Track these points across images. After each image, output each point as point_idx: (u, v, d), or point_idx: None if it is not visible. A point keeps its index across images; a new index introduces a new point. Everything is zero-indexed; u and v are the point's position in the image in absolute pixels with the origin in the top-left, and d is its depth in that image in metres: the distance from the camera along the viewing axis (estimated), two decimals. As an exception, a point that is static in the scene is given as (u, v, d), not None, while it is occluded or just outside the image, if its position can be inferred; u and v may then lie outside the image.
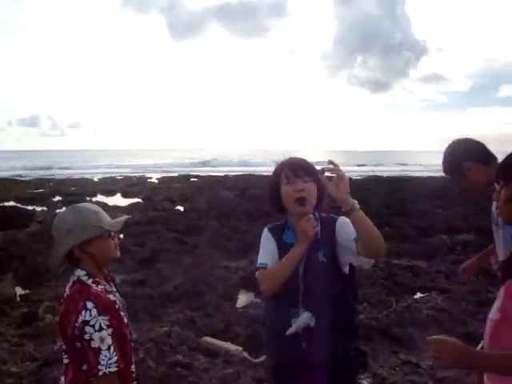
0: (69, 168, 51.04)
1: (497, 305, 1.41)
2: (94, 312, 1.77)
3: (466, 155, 2.54)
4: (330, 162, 1.91)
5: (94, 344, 1.75)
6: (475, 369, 1.69)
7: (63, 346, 1.90)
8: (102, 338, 1.76)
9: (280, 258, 2.12)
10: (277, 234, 2.20)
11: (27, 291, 6.93)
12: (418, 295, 6.14)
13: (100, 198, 20.06)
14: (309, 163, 2.16)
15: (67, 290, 1.89)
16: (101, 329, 1.76)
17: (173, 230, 10.68)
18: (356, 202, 1.85)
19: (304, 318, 2.00)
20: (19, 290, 6.97)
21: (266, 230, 2.26)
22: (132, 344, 2.02)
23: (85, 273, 1.89)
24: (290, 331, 2.01)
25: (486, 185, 2.47)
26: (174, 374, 3.88)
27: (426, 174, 35.40)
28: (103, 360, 1.75)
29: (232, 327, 4.93)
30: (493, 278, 2.71)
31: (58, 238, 1.92)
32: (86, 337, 1.74)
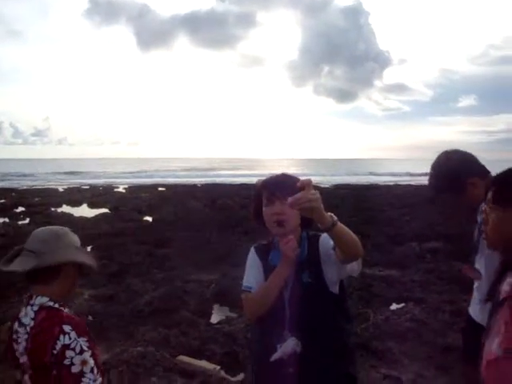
0: (32, 177, 49.58)
1: (497, 340, 1.28)
2: (73, 334, 1.66)
3: (469, 169, 2.37)
4: (301, 185, 1.62)
5: (75, 369, 1.63)
6: None
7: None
8: (84, 360, 1.65)
9: (265, 280, 2.02)
10: (263, 254, 2.09)
11: (-13, 309, 6.55)
12: (395, 306, 6.12)
13: (66, 208, 19.53)
14: (290, 181, 1.97)
15: (29, 320, 1.73)
16: (82, 351, 1.65)
17: (141, 242, 10.43)
18: (333, 216, 1.68)
19: (289, 344, 1.90)
20: (-21, 309, 6.59)
21: (252, 249, 2.15)
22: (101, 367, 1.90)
23: (48, 299, 1.75)
24: (274, 357, 1.90)
25: (481, 201, 2.15)
26: (150, 398, 3.69)
27: (392, 182, 36.11)
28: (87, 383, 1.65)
29: (208, 345, 4.76)
30: (466, 286, 2.72)
31: (54, 246, 1.77)
32: (66, 362, 1.62)
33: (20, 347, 1.74)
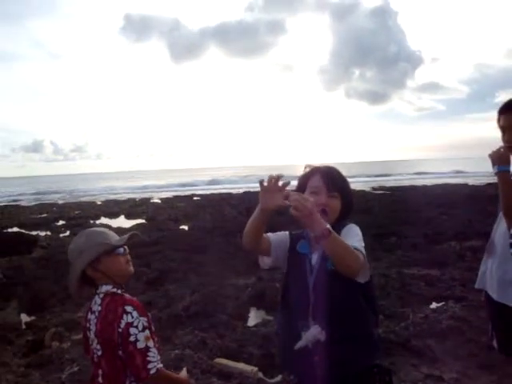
0: (72, 192, 50.98)
1: None
2: (135, 314, 1.83)
3: None
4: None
5: (140, 345, 1.79)
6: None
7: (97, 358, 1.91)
8: (147, 336, 1.82)
9: (289, 265, 2.05)
10: (293, 240, 2.09)
11: (32, 318, 6.78)
12: (435, 305, 5.94)
13: (104, 220, 20.01)
14: (342, 177, 2.06)
15: (97, 307, 1.92)
16: (144, 328, 1.82)
17: (178, 250, 10.55)
18: (328, 226, 1.67)
19: (312, 332, 1.89)
20: (24, 318, 6.82)
21: (287, 232, 2.16)
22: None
23: (111, 286, 1.95)
24: (298, 345, 1.90)
25: None
26: (188, 400, 3.70)
27: (428, 182, 35.34)
28: (153, 357, 1.81)
29: (245, 347, 4.75)
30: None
31: (72, 262, 1.99)
32: (132, 339, 1.79)
33: (91, 334, 1.93)
